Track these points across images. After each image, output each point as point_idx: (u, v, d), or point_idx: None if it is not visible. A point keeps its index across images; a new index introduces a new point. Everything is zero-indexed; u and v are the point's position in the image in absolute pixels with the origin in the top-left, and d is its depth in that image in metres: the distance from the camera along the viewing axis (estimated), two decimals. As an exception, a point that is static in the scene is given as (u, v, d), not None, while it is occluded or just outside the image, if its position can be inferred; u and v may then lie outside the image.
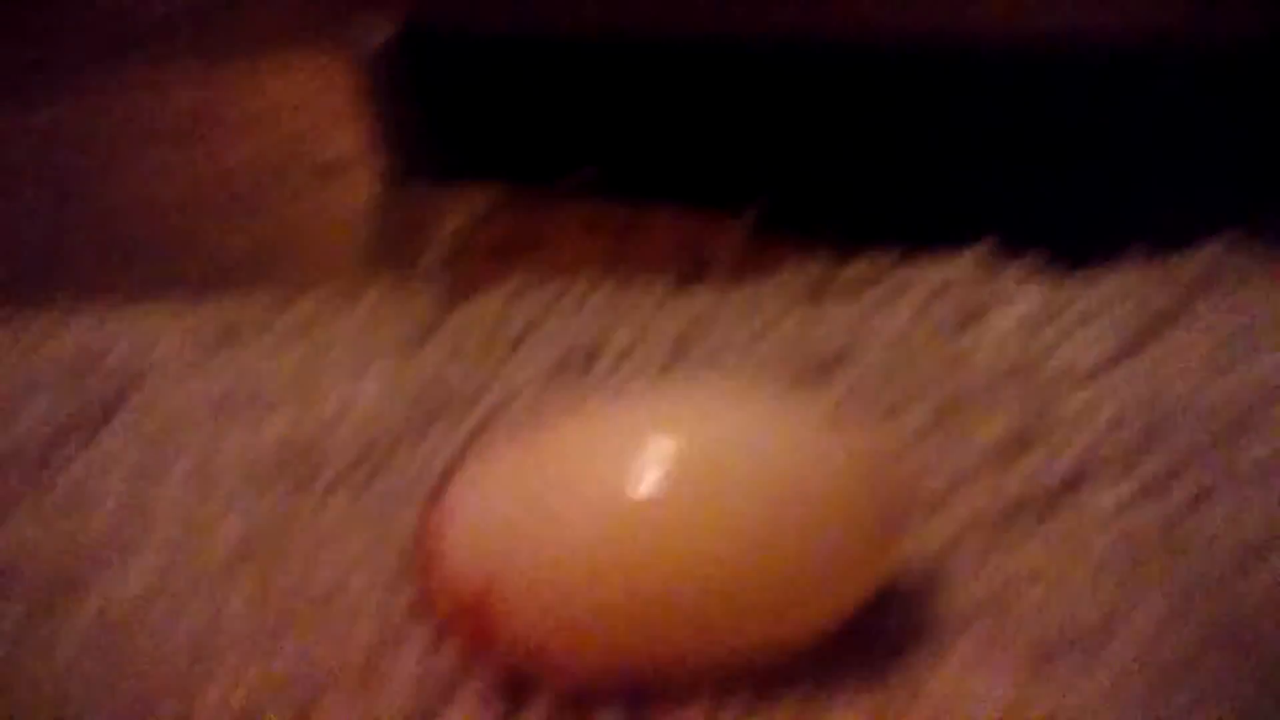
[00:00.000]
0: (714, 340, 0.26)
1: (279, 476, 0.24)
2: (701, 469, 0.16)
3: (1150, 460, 0.21)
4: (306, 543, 0.22)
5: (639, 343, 0.26)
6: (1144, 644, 0.17)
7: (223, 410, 0.26)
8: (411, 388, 0.26)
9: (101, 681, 0.19)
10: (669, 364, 0.26)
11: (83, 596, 0.21)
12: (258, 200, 0.48)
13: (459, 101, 0.43)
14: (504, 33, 0.41)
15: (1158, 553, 0.19)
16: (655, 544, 0.16)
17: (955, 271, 0.28)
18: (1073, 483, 0.20)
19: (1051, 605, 0.18)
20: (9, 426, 0.27)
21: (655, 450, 0.16)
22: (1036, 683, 0.17)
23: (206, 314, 0.31)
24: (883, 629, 0.18)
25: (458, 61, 0.43)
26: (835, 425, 0.18)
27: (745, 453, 0.16)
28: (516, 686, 0.17)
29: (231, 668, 0.19)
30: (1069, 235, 0.28)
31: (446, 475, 0.18)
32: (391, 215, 0.43)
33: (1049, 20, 0.29)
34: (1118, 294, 0.26)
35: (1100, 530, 0.19)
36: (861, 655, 0.17)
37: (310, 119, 0.58)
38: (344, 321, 0.30)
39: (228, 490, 0.24)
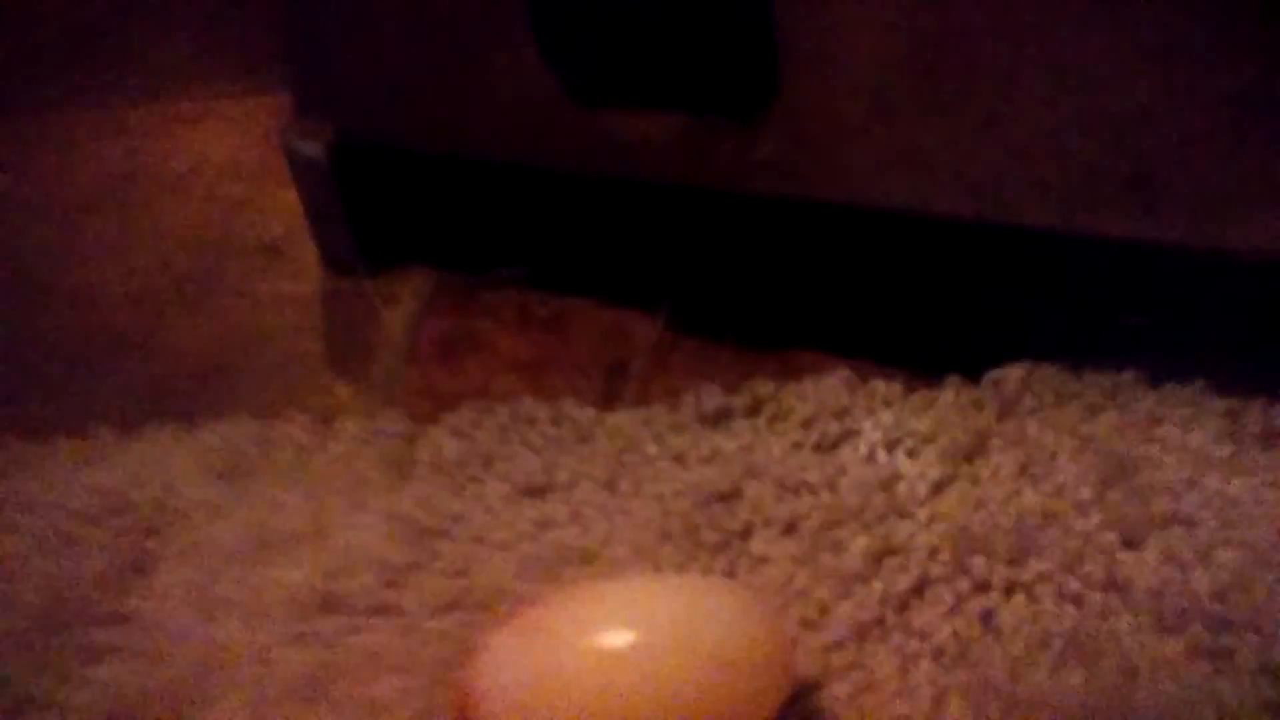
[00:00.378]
0: (639, 470, 0.34)
1: (319, 606, 0.31)
2: (652, 650, 0.24)
3: (962, 580, 0.29)
4: (355, 664, 0.29)
5: (580, 476, 0.34)
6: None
7: (258, 546, 0.33)
8: (405, 517, 0.33)
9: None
10: (607, 491, 0.34)
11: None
12: (207, 287, 0.52)
13: (389, 205, 0.49)
14: (426, 150, 0.46)
15: (961, 660, 0.27)
16: (629, 699, 0.24)
17: (825, 397, 0.36)
18: (906, 600, 0.29)
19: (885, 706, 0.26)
20: (61, 572, 0.32)
21: (621, 638, 0.24)
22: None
23: (209, 444, 0.37)
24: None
25: (386, 171, 0.48)
26: (741, 599, 0.26)
27: (684, 633, 0.24)
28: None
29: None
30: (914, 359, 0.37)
31: (470, 652, 0.25)
32: (336, 308, 0.49)
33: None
34: (947, 418, 0.34)
35: (925, 640, 0.28)
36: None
37: (243, 185, 0.61)
38: (332, 452, 0.36)
39: (280, 622, 0.30)
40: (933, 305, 0.38)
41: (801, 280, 0.40)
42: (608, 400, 0.39)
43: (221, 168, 0.64)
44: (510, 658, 0.24)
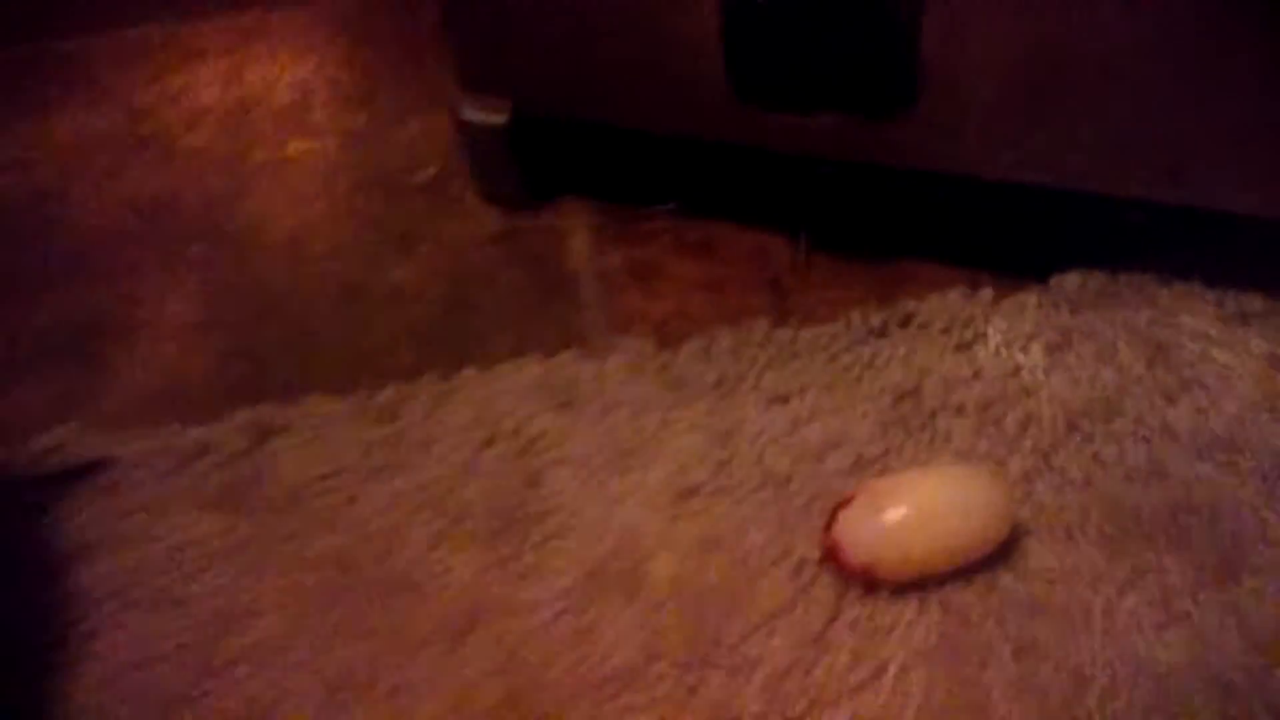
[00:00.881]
0: (844, 375, 0.50)
1: (684, 493, 0.46)
2: (940, 512, 0.41)
3: (1075, 436, 0.47)
4: (734, 528, 0.44)
5: (806, 385, 0.50)
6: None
7: (617, 455, 0.47)
8: (705, 425, 0.48)
9: None
10: (829, 394, 0.49)
11: None
12: (398, 232, 0.62)
13: (554, 154, 0.60)
14: (596, 120, 0.57)
15: (1087, 485, 0.46)
16: (932, 542, 0.41)
17: (952, 308, 0.52)
18: (1048, 452, 0.47)
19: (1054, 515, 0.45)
20: (479, 490, 0.46)
21: (926, 506, 0.41)
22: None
23: (533, 378, 0.51)
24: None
25: (554, 132, 0.59)
26: (981, 478, 0.43)
27: (960, 501, 0.42)
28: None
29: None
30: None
31: (835, 507, 0.42)
32: (520, 244, 0.60)
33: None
34: (1039, 318, 0.51)
35: (1063, 474, 0.46)
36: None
37: (364, 117, 0.70)
38: (617, 378, 0.51)
39: (664, 506, 0.46)
40: (1009, 227, 0.54)
41: (909, 206, 0.55)
42: (780, 315, 0.55)
43: (329, 96, 0.73)
44: (861, 520, 0.41)
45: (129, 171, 0.68)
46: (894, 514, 0.41)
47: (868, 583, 0.42)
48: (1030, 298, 0.52)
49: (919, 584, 0.42)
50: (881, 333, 0.52)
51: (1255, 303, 0.50)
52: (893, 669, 0.40)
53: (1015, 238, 0.54)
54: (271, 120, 0.71)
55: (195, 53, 0.77)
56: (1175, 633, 0.40)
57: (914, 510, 0.41)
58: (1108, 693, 0.39)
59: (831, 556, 0.42)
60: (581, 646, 0.41)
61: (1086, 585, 0.41)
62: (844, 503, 0.42)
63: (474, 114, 0.59)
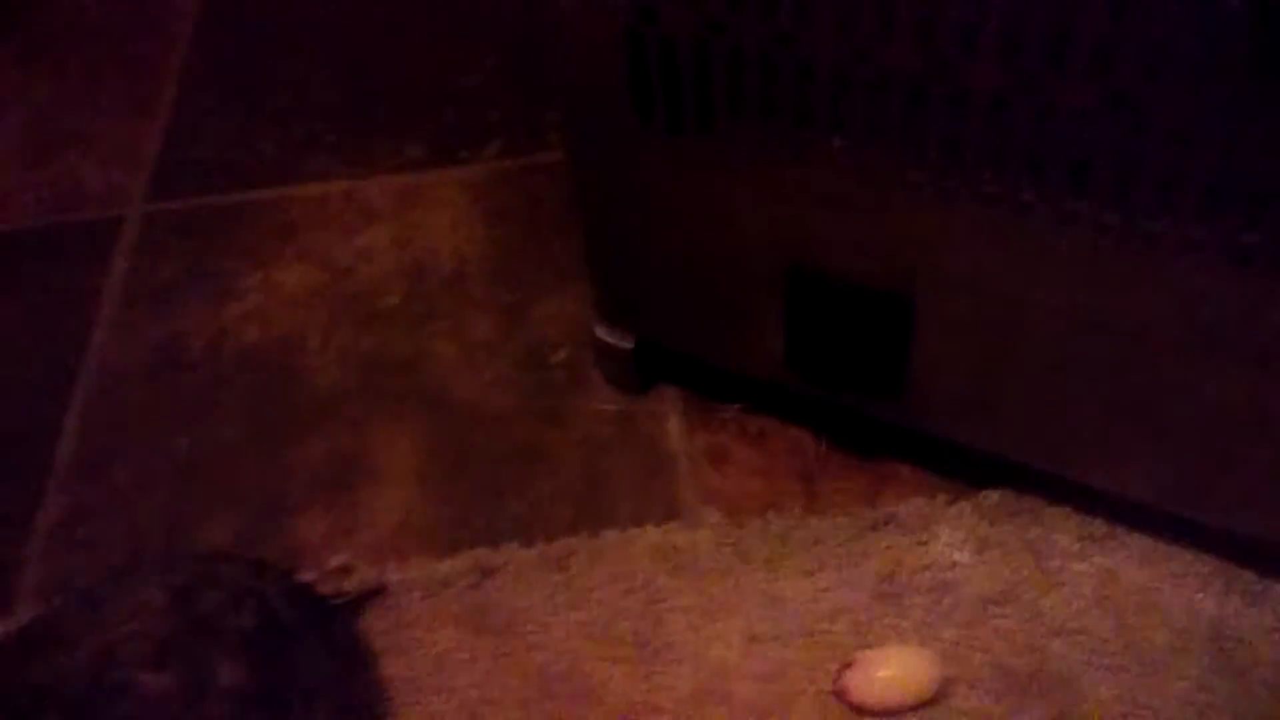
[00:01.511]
0: (847, 559, 0.80)
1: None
2: (906, 665, 0.72)
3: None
4: (782, 666, 0.74)
5: (824, 565, 0.79)
6: None
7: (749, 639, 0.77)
8: (772, 594, 0.78)
9: None
10: (839, 573, 0.79)
11: None
12: (551, 404, 0.89)
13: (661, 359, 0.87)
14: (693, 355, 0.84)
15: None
16: (903, 686, 0.72)
17: (925, 511, 0.82)
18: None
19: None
20: None
21: (905, 668, 0.72)
22: None
23: (653, 544, 0.80)
24: None
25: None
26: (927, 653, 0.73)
27: (921, 667, 0.72)
28: None
29: None
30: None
31: (841, 667, 0.72)
32: (635, 425, 0.88)
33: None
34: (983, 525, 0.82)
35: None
36: None
37: (509, 292, 0.96)
38: (705, 550, 0.80)
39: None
40: (966, 457, 0.83)
41: (899, 434, 0.84)
42: (808, 499, 0.84)
43: (479, 269, 0.99)
44: (858, 675, 0.71)
45: (344, 327, 0.94)
46: (880, 674, 0.72)
47: (860, 710, 0.72)
48: (967, 506, 0.82)
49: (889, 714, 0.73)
50: (872, 528, 0.82)
51: (1101, 527, 0.81)
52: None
53: (970, 462, 0.83)
54: (441, 288, 0.97)
55: (372, 213, 1.02)
56: (1028, 752, 0.71)
57: (888, 673, 0.72)
58: (987, 786, 0.70)
59: (841, 692, 0.72)
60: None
61: None
62: (848, 664, 0.72)
63: (606, 336, 0.87)
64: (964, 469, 0.82)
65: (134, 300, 0.95)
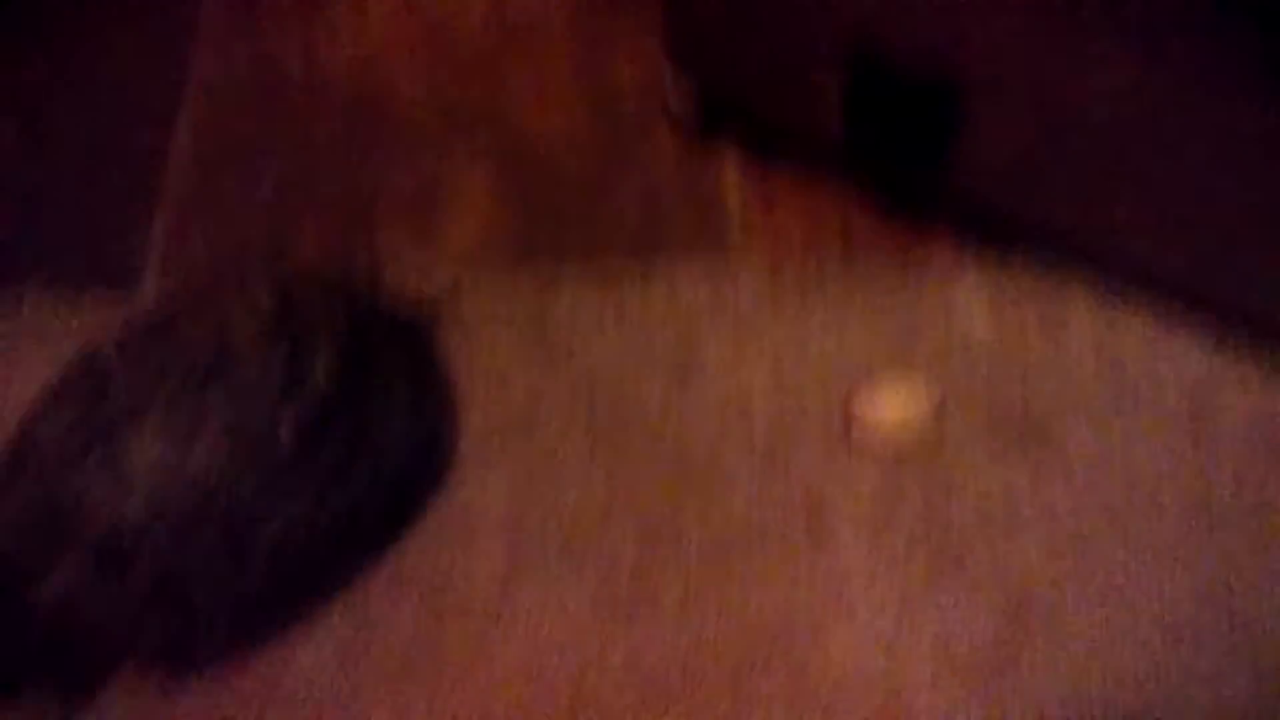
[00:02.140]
0: (880, 301, 0.88)
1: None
2: (908, 403, 0.82)
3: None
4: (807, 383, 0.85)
5: (851, 309, 0.87)
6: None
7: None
8: (806, 326, 0.87)
9: None
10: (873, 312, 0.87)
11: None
12: (623, 139, 0.96)
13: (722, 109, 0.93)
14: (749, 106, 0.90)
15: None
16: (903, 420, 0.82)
17: (942, 270, 0.89)
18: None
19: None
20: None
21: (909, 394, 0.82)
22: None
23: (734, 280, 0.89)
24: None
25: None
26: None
27: (919, 398, 0.82)
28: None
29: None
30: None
31: (852, 399, 0.82)
32: (694, 164, 0.94)
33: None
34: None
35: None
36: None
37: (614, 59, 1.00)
38: (748, 283, 0.88)
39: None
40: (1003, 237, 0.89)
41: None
42: (845, 248, 0.91)
43: (564, 12, 1.03)
44: (875, 405, 0.81)
45: (430, 55, 1.01)
46: (882, 402, 0.82)
47: (861, 431, 0.83)
48: (990, 268, 0.89)
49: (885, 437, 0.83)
50: (900, 281, 0.89)
51: (1109, 296, 0.87)
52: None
53: (999, 228, 0.89)
54: (525, 28, 1.02)
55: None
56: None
57: (890, 401, 0.82)
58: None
59: (847, 415, 0.83)
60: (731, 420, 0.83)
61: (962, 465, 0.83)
62: (856, 394, 0.82)
63: (675, 84, 0.93)
64: (992, 233, 0.88)
65: (231, 23, 1.02)
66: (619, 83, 0.99)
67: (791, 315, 0.87)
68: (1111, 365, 0.84)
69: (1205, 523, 0.77)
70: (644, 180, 0.94)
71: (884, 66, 0.78)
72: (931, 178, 0.85)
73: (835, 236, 0.90)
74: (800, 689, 0.72)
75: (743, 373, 0.85)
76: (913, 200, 0.91)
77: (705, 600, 0.75)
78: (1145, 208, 0.78)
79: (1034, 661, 0.72)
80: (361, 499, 0.75)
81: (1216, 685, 0.70)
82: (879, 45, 0.77)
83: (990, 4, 0.69)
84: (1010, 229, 0.87)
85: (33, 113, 0.98)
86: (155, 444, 0.69)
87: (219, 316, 0.75)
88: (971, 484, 0.79)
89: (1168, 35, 0.65)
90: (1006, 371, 0.84)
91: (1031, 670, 0.71)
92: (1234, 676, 0.71)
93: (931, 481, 0.79)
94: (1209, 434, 0.80)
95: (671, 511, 0.78)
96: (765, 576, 0.76)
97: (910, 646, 0.73)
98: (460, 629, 0.76)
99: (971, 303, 0.87)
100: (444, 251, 0.90)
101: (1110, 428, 0.81)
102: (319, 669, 0.75)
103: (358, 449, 0.74)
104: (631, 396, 0.83)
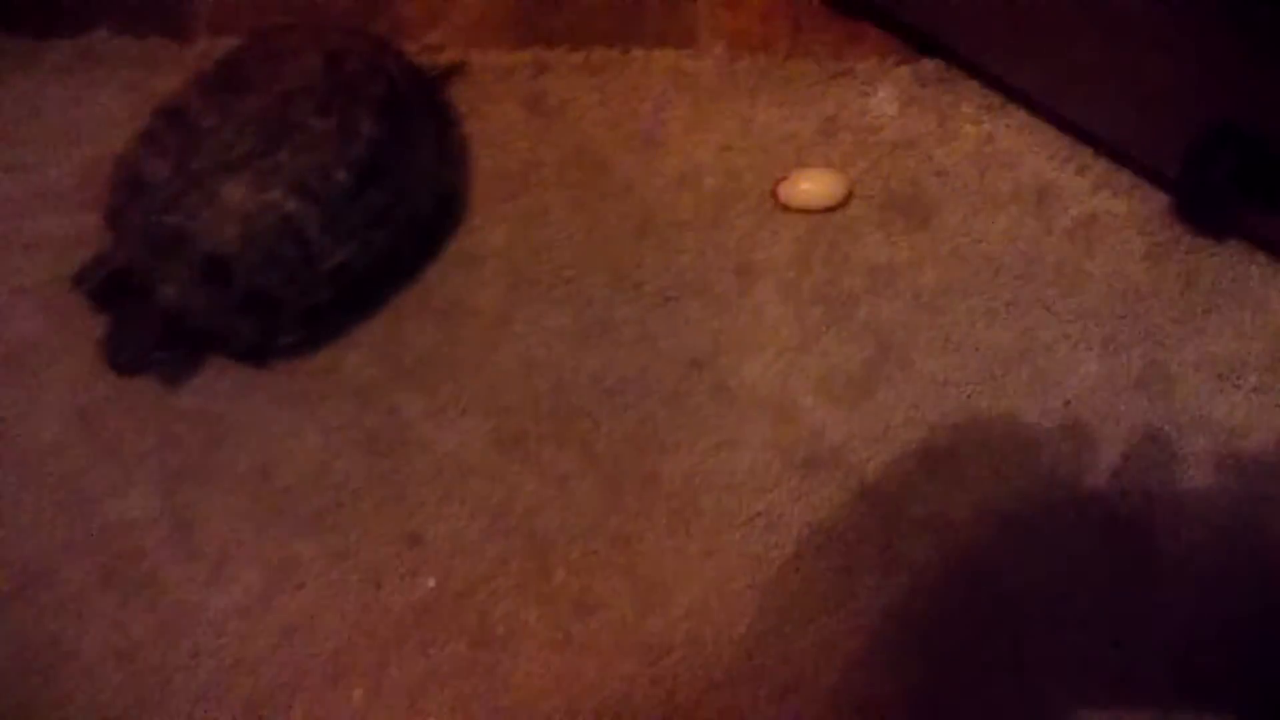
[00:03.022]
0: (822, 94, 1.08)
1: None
2: (824, 181, 1.05)
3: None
4: (742, 168, 1.06)
5: (791, 100, 1.08)
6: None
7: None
8: (747, 115, 1.07)
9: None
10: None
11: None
12: None
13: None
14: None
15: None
16: (819, 194, 1.05)
17: (869, 70, 1.09)
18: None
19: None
20: None
21: (821, 180, 1.04)
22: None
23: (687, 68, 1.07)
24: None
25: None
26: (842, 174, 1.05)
27: (833, 180, 1.05)
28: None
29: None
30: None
31: (781, 177, 1.04)
32: None
33: None
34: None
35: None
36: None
37: None
38: (708, 73, 1.07)
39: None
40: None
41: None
42: (792, 46, 1.10)
43: None
44: (790, 185, 1.04)
45: None
46: (802, 185, 1.04)
47: (785, 208, 1.06)
48: (906, 70, 1.09)
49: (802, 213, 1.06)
50: (832, 76, 1.09)
51: (997, 101, 1.09)
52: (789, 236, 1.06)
53: (918, 35, 1.09)
54: None
55: None
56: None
57: (808, 185, 1.04)
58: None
59: (775, 193, 1.05)
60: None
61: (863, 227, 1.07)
62: (785, 176, 1.05)
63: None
64: (913, 39, 1.08)
65: None
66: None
67: (742, 104, 1.07)
68: (986, 160, 1.07)
69: (1032, 288, 1.03)
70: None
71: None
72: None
73: (784, 37, 1.09)
74: (720, 399, 1.00)
75: (698, 150, 1.06)
76: (849, 9, 1.09)
77: (655, 333, 1.01)
78: (1018, 35, 0.98)
79: (888, 394, 1.00)
80: (398, 235, 0.98)
81: (1014, 417, 0.99)
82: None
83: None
84: (922, 41, 1.07)
85: None
86: (241, 188, 0.90)
87: (279, 80, 0.93)
88: (864, 253, 1.04)
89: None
90: (905, 162, 1.06)
91: (885, 399, 1.00)
92: (1029, 413, 0.99)
93: (834, 250, 1.04)
94: (1047, 220, 1.05)
95: (634, 261, 1.02)
96: (702, 316, 1.01)
97: (801, 375, 1.00)
98: (470, 339, 1.01)
99: (884, 101, 1.08)
100: (450, 31, 1.07)
101: (976, 210, 1.05)
102: (363, 365, 1.01)
103: (396, 195, 0.96)
104: (608, 164, 1.05)
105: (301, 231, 0.91)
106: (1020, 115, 1.06)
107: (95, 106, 1.02)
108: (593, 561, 0.98)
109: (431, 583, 0.97)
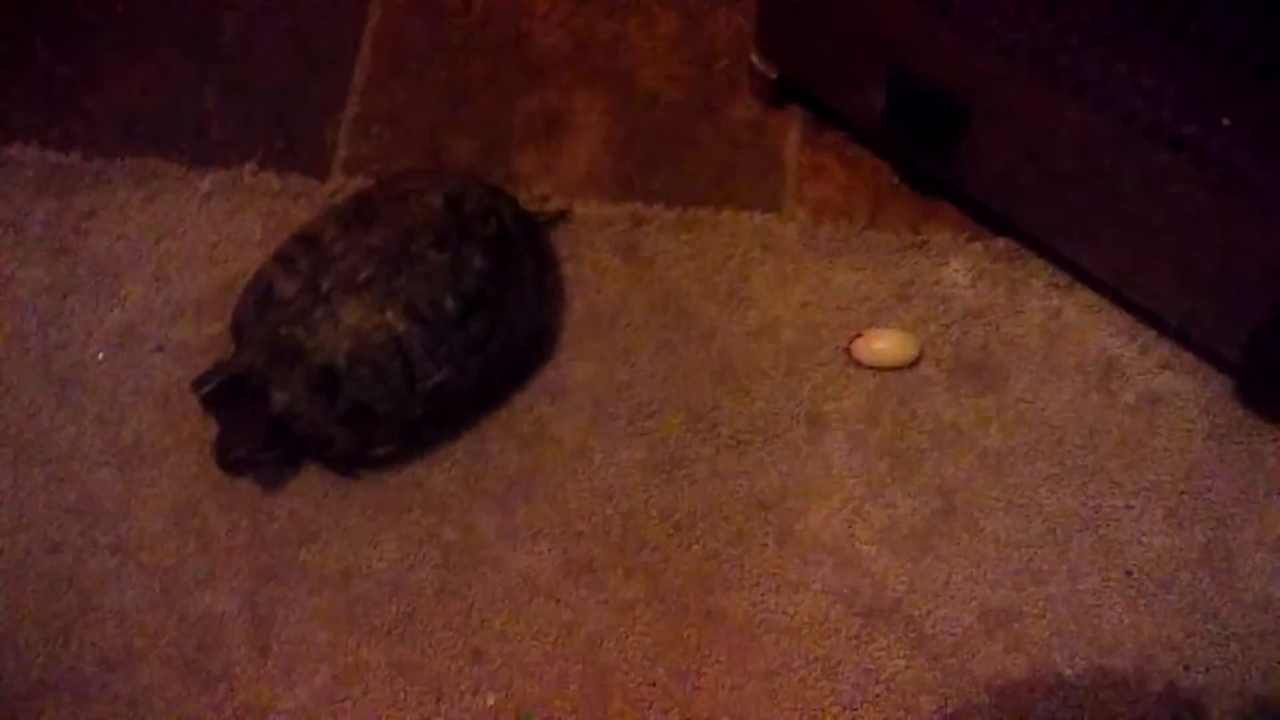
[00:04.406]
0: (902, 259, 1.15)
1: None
2: (896, 342, 1.10)
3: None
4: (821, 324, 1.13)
5: (868, 265, 1.15)
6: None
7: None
8: (829, 278, 1.14)
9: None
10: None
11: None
12: (704, 102, 1.20)
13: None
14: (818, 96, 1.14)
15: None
16: (891, 354, 1.10)
17: (943, 244, 1.16)
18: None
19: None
20: None
21: (894, 341, 1.10)
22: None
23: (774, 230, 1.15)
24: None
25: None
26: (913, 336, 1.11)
27: (905, 341, 1.11)
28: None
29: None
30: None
31: (855, 335, 1.10)
32: (764, 131, 1.19)
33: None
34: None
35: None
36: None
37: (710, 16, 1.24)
38: (792, 236, 1.15)
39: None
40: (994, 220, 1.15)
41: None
42: (871, 216, 1.17)
43: None
44: (863, 344, 1.09)
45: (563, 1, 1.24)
46: (876, 344, 1.10)
47: (857, 364, 1.11)
48: (979, 245, 1.15)
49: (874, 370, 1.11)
50: (909, 246, 1.16)
51: (1065, 279, 1.14)
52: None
53: (991, 214, 1.15)
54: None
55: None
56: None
57: (882, 344, 1.10)
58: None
59: (849, 350, 1.11)
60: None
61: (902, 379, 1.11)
62: (859, 334, 1.10)
63: (758, 62, 1.17)
64: (986, 218, 1.15)
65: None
66: (715, 47, 1.22)
67: (821, 264, 1.14)
68: (1053, 333, 1.11)
69: (1095, 458, 1.06)
70: (723, 138, 1.19)
71: (914, 79, 1.02)
72: (943, 170, 1.11)
73: (864, 208, 1.16)
74: (785, 542, 1.03)
75: (778, 304, 1.12)
76: (927, 185, 1.17)
77: (725, 473, 1.05)
78: (1090, 222, 1.04)
79: (950, 549, 1.02)
80: (493, 364, 1.04)
81: (1075, 582, 1.01)
82: (911, 65, 1.01)
83: (992, 55, 0.92)
84: (995, 218, 1.14)
85: (250, 16, 1.23)
86: (360, 309, 0.98)
87: (404, 216, 1.03)
88: (932, 412, 1.08)
89: (1128, 98, 0.87)
90: (974, 330, 1.12)
91: (947, 554, 1.02)
92: (1091, 580, 1.01)
93: (903, 407, 1.08)
94: (1111, 394, 1.08)
95: (710, 405, 1.08)
96: (772, 460, 1.06)
97: (866, 524, 1.03)
98: (549, 466, 1.06)
99: (957, 272, 1.14)
100: (558, 183, 1.16)
101: (1042, 380, 1.09)
102: (447, 483, 1.06)
103: (495, 326, 1.03)
104: (693, 312, 1.12)
105: (408, 352, 0.98)
106: (1087, 293, 1.11)
107: (236, 230, 1.12)
108: (651, 693, 1.00)
109: (491, 700, 1.00)
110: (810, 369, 1.09)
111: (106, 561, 1.04)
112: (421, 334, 0.98)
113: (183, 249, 1.10)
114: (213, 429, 1.01)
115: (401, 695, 1.01)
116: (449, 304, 0.99)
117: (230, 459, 0.99)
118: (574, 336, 1.10)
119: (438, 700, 1.01)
